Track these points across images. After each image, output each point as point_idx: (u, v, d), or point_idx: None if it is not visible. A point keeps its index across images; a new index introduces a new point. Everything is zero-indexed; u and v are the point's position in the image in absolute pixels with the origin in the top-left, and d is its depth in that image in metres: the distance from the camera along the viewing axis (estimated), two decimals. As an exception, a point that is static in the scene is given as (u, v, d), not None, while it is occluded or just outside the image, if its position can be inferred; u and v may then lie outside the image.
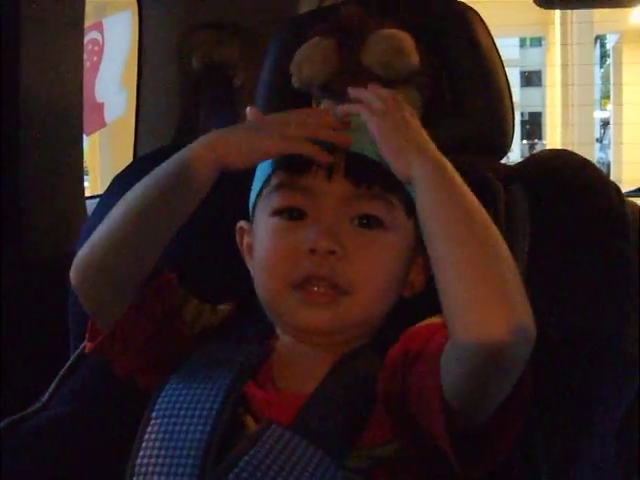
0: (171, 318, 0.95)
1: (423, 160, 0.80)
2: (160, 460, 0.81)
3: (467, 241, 0.75)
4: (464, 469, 0.76)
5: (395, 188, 0.89)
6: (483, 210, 0.77)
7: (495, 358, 0.71)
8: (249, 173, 0.95)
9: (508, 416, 0.78)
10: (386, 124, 0.84)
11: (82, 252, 0.89)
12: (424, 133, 0.84)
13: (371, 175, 0.89)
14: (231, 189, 0.95)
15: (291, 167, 0.90)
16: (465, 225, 0.76)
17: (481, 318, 0.71)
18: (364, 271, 0.87)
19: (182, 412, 0.84)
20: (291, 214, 0.90)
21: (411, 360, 0.82)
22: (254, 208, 0.96)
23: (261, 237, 0.92)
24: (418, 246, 0.92)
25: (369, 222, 0.89)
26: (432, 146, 0.82)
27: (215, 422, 0.82)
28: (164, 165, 0.88)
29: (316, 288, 0.86)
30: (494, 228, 0.76)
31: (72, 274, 0.90)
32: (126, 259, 0.88)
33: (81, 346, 1.08)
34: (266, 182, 0.93)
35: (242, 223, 0.99)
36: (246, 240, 0.98)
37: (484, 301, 0.72)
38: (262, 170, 0.94)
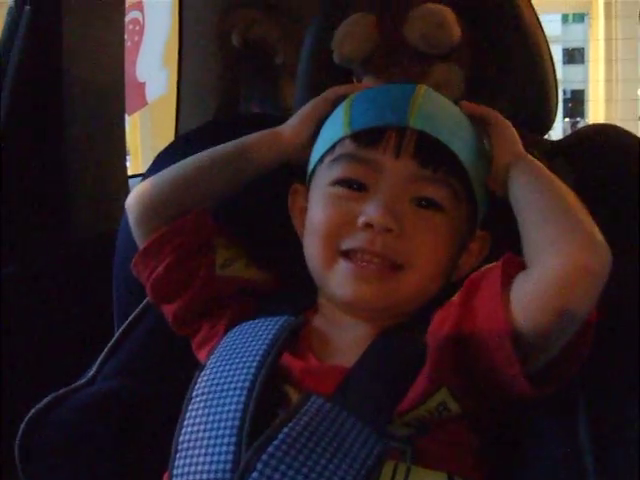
0: (203, 249, 0.98)
1: (525, 156, 0.92)
2: (200, 435, 0.81)
3: (557, 211, 0.83)
4: (532, 390, 0.78)
5: (459, 174, 0.90)
6: (570, 192, 0.85)
7: (584, 278, 0.77)
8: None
9: (577, 340, 0.80)
10: (509, 130, 0.95)
11: (145, 186, 1.01)
12: None
13: (439, 158, 0.89)
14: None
15: (360, 139, 0.91)
16: (554, 201, 0.84)
17: (570, 247, 0.79)
18: (418, 251, 0.87)
19: (219, 387, 0.84)
20: (351, 185, 0.90)
21: (467, 298, 0.84)
22: (312, 173, 0.97)
23: (317, 203, 0.93)
24: (472, 233, 0.94)
25: (429, 204, 0.89)
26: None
27: (249, 393, 0.82)
28: (233, 141, 1.01)
29: (366, 263, 0.87)
30: (572, 195, 0.85)
31: (131, 201, 1.01)
32: (185, 201, 0.99)
33: (126, 322, 1.09)
34: (330, 150, 0.93)
35: (296, 185, 1.00)
36: (299, 203, 0.99)
37: (571, 235, 0.80)
38: (326, 136, 0.95)
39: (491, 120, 0.95)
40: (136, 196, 1.01)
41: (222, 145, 1.01)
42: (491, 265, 0.85)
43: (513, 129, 0.94)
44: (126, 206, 1.02)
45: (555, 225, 0.82)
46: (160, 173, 1.01)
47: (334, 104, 0.99)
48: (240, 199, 1.05)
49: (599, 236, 0.79)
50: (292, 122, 1.02)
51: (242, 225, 1.04)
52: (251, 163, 1.00)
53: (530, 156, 0.91)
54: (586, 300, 0.78)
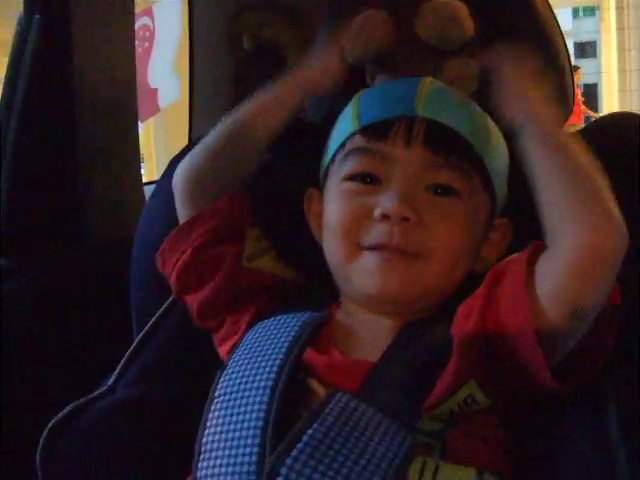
0: (233, 236, 0.97)
1: (537, 110, 0.84)
2: (223, 436, 0.80)
3: (574, 178, 0.79)
4: (556, 384, 0.77)
5: (473, 159, 0.89)
6: (586, 156, 0.80)
7: (600, 259, 0.76)
8: (323, 138, 0.99)
9: (600, 330, 0.79)
10: (519, 72, 0.87)
11: (186, 160, 1.00)
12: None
13: (450, 144, 0.89)
14: (303, 157, 0.95)
15: (369, 132, 0.90)
16: (570, 165, 0.80)
17: (591, 224, 0.76)
18: (437, 239, 0.86)
19: (242, 386, 0.83)
20: (364, 179, 0.89)
21: (490, 290, 0.82)
22: (326, 174, 0.96)
23: (332, 201, 0.93)
24: (492, 221, 0.93)
25: (444, 190, 0.88)
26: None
27: (272, 392, 0.81)
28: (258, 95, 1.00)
29: (388, 256, 0.86)
30: (589, 163, 0.80)
31: (175, 179, 1.01)
32: (222, 168, 0.99)
33: (145, 328, 1.09)
34: (341, 147, 0.93)
35: (311, 190, 0.99)
36: (314, 207, 0.98)
37: (585, 212, 0.77)
38: (336, 134, 0.95)
39: (494, 69, 0.88)
40: (180, 171, 1.01)
41: (244, 105, 1.01)
42: (516, 255, 0.84)
43: (523, 82, 0.86)
44: (173, 184, 1.01)
45: (569, 201, 0.79)
46: (197, 146, 1.01)
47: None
48: (273, 197, 1.04)
49: (615, 213, 0.77)
50: (314, 73, 1.01)
51: (274, 221, 1.03)
52: (274, 119, 0.99)
53: (542, 114, 0.84)
54: (602, 283, 0.77)
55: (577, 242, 0.77)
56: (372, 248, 0.86)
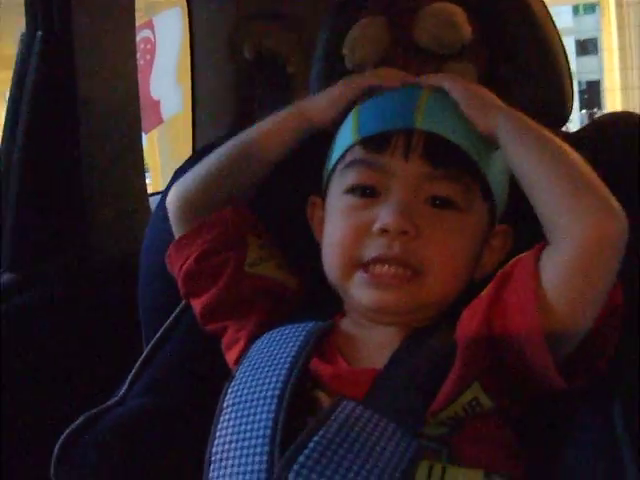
0: (235, 244, 0.98)
1: (506, 113, 0.87)
2: (233, 445, 0.81)
3: (561, 169, 0.80)
4: (565, 381, 0.77)
5: (472, 170, 0.89)
6: (565, 144, 0.82)
7: (601, 249, 0.76)
8: (325, 147, 0.98)
9: (606, 324, 0.79)
10: (470, 89, 0.92)
11: (182, 182, 1.02)
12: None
13: (448, 156, 0.89)
14: (306, 164, 0.96)
15: (368, 144, 0.91)
16: (554, 157, 0.81)
17: (589, 215, 0.76)
18: (437, 252, 0.86)
19: (250, 396, 0.84)
20: (364, 192, 0.90)
21: (497, 293, 0.82)
22: (327, 183, 0.97)
23: (332, 214, 0.93)
24: (492, 229, 0.93)
25: (443, 203, 0.88)
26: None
27: (280, 401, 0.82)
28: (257, 127, 1.01)
29: (386, 266, 0.86)
30: (576, 155, 0.81)
31: (170, 198, 1.02)
32: (220, 191, 1.00)
33: (154, 339, 1.10)
34: (341, 158, 0.94)
35: (313, 197, 1.00)
36: (317, 215, 0.99)
37: (587, 202, 0.77)
38: (337, 144, 0.96)
39: (448, 87, 0.92)
40: (175, 193, 1.02)
41: (246, 132, 1.01)
42: (522, 255, 0.84)
43: (479, 91, 0.91)
44: (167, 204, 1.03)
45: (562, 194, 0.79)
46: (194, 168, 1.02)
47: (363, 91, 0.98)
48: (277, 203, 1.05)
49: (611, 201, 0.77)
50: (319, 103, 1.00)
51: (278, 228, 1.04)
52: (276, 146, 1.00)
53: (512, 115, 0.87)
54: (605, 273, 0.77)
55: (577, 235, 0.77)
56: (370, 263, 0.87)
